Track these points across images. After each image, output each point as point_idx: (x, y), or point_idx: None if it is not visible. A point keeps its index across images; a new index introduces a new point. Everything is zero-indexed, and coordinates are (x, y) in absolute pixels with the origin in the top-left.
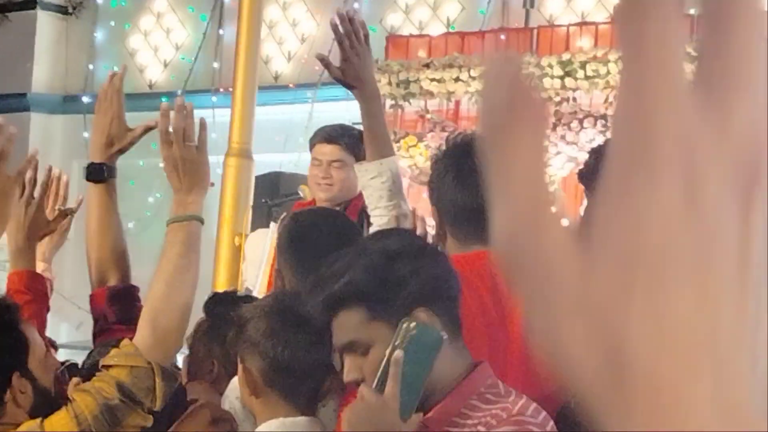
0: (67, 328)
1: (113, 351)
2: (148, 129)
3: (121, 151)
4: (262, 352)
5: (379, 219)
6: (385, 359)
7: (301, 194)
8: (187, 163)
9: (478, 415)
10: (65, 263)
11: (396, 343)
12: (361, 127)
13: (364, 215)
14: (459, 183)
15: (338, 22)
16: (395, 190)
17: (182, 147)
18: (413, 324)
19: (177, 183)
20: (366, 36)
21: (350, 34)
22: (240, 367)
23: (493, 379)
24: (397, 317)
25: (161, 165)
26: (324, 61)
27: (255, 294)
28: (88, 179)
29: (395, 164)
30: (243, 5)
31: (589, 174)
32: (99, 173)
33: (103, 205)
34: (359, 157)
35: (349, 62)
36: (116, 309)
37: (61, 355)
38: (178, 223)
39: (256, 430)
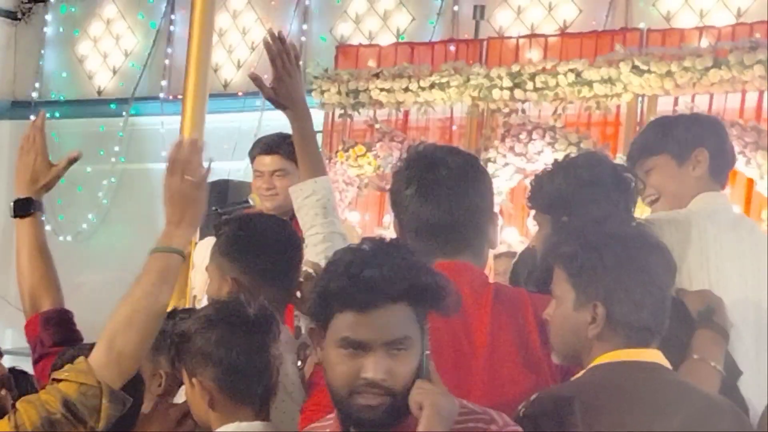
0: (12, 334)
1: (67, 366)
2: (72, 162)
3: (46, 186)
4: (216, 361)
5: (314, 237)
6: (424, 359)
7: (251, 202)
8: (182, 196)
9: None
10: (11, 269)
11: (427, 347)
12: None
13: None
14: (422, 196)
15: (270, 41)
16: (330, 208)
17: (181, 179)
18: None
19: (170, 213)
20: (297, 57)
21: (282, 53)
22: (191, 382)
23: None
24: (422, 323)
25: (107, 171)
26: (257, 81)
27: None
28: (15, 215)
29: (328, 183)
30: (194, 13)
31: (535, 198)
32: (25, 207)
33: (32, 236)
34: None
35: (282, 82)
36: (52, 332)
37: (7, 362)
38: (158, 253)
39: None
